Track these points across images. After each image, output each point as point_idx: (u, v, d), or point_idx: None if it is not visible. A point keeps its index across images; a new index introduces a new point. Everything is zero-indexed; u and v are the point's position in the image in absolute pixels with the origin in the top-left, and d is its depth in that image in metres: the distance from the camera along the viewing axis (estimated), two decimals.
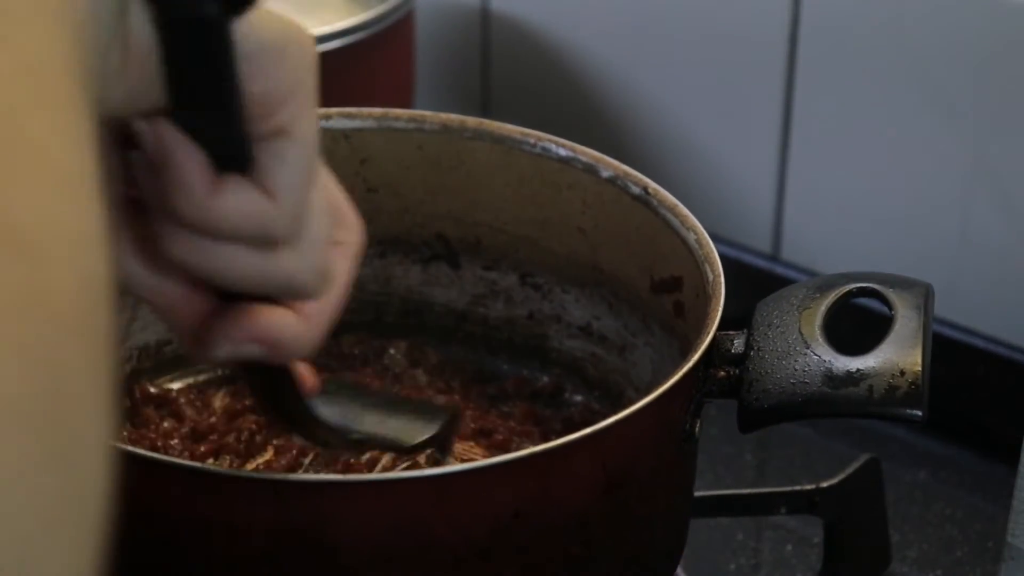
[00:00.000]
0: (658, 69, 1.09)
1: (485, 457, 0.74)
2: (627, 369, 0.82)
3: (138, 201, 0.49)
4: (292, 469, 0.76)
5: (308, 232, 0.51)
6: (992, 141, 0.95)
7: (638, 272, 0.79)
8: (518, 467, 0.61)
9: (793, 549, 0.89)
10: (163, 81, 0.46)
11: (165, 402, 0.81)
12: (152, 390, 0.81)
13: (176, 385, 0.84)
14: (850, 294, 0.70)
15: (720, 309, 0.68)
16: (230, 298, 0.52)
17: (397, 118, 0.81)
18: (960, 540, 0.90)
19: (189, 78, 0.46)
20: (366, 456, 0.74)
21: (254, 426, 0.78)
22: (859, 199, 1.02)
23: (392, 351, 0.85)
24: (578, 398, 0.84)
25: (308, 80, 0.50)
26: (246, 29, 0.47)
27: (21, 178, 0.31)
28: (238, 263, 0.49)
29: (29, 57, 0.33)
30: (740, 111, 1.06)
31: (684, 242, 0.74)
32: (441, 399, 0.82)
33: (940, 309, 0.72)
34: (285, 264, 0.50)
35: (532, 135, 0.80)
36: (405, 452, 0.72)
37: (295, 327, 0.53)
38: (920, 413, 0.65)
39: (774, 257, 1.07)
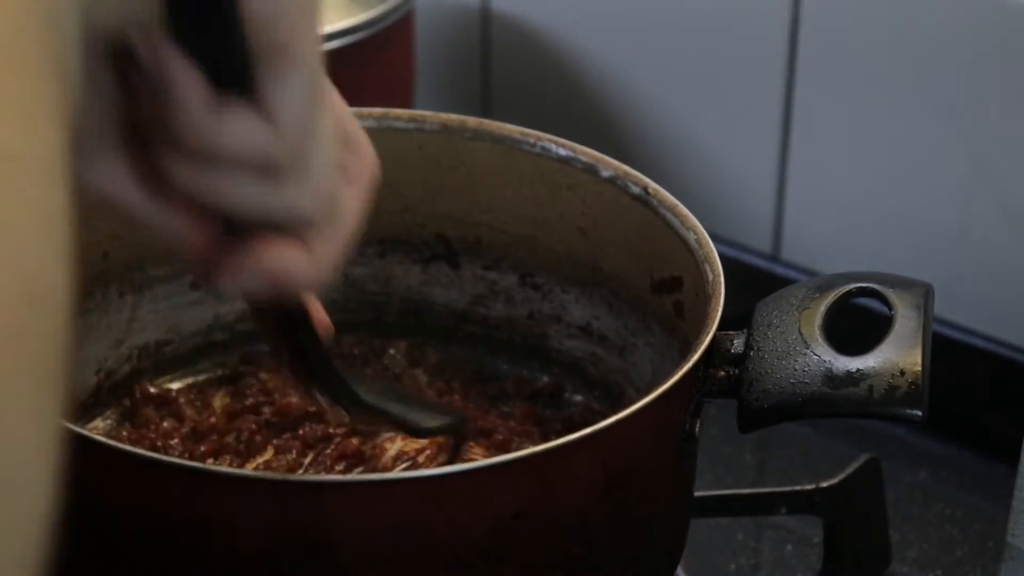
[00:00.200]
0: (658, 69, 1.09)
1: (485, 457, 0.74)
2: (627, 369, 0.82)
3: (143, 128, 0.48)
4: (292, 469, 0.76)
5: (313, 160, 0.49)
6: (992, 141, 0.95)
7: (638, 272, 0.79)
8: (518, 467, 0.61)
9: (793, 549, 0.89)
10: None
11: (165, 402, 0.81)
12: (152, 390, 0.81)
13: (176, 385, 0.84)
14: (850, 294, 0.70)
15: (720, 309, 0.68)
16: (238, 229, 0.50)
17: (397, 118, 0.81)
18: (960, 540, 0.90)
19: None
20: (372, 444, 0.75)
21: (254, 426, 0.78)
22: (859, 199, 1.02)
23: (392, 351, 0.85)
24: (578, 398, 0.84)
25: None
26: None
27: None
28: (240, 191, 0.48)
29: None
30: (740, 111, 1.06)
31: (684, 242, 0.74)
32: (441, 399, 0.82)
33: (940, 309, 0.72)
34: (289, 193, 0.48)
35: (532, 135, 0.80)
36: (416, 434, 0.72)
37: (302, 261, 0.51)
38: (920, 413, 0.65)
39: (774, 257, 1.07)
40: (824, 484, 0.81)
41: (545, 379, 0.85)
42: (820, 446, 0.97)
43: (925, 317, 0.68)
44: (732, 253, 1.06)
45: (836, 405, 0.65)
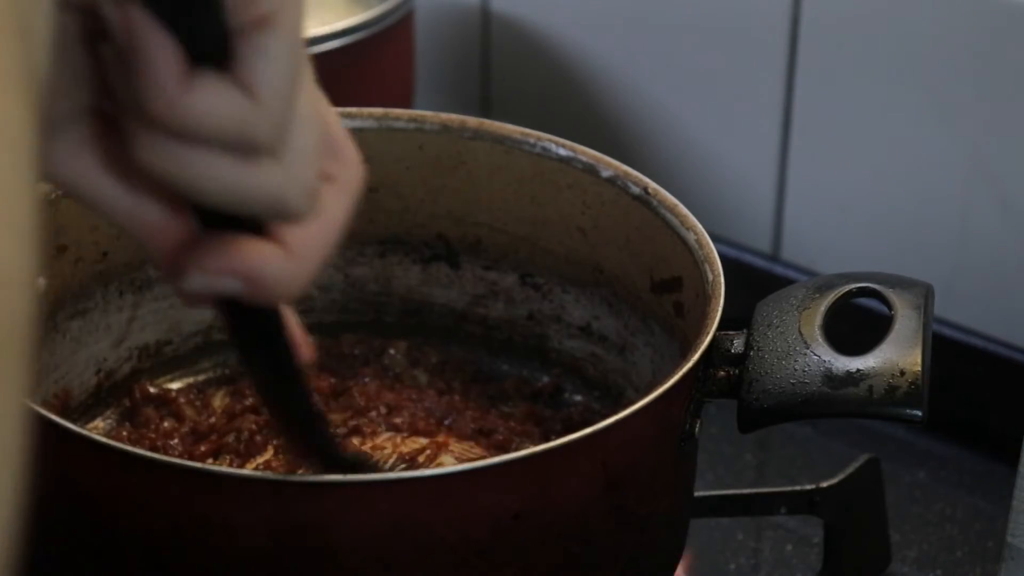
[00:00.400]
0: (658, 69, 1.09)
1: (485, 457, 0.74)
2: (627, 369, 0.82)
3: (112, 106, 0.46)
4: (292, 469, 0.76)
5: (293, 142, 0.46)
6: (992, 141, 0.95)
7: (638, 272, 0.79)
8: (518, 467, 0.61)
9: (793, 549, 0.89)
10: None
11: (165, 402, 0.81)
12: (152, 390, 0.81)
13: (176, 385, 0.84)
14: (850, 294, 0.70)
15: (720, 309, 0.68)
16: (211, 222, 0.47)
17: (397, 118, 0.81)
18: (960, 540, 0.90)
19: None
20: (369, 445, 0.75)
21: (254, 426, 0.78)
22: (859, 199, 1.02)
23: (392, 351, 0.85)
24: (578, 398, 0.84)
25: None
26: None
27: None
28: (216, 173, 0.44)
29: None
30: (740, 111, 1.06)
31: (684, 242, 0.74)
32: (441, 399, 0.82)
33: (940, 309, 0.72)
34: (267, 176, 0.45)
35: (532, 135, 0.80)
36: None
37: (279, 262, 0.47)
38: (920, 413, 0.65)
39: (774, 257, 1.07)
40: (824, 484, 0.81)
41: (545, 379, 0.85)
42: (820, 446, 0.97)
43: (925, 317, 0.68)
44: (732, 253, 1.06)
45: (836, 405, 0.65)
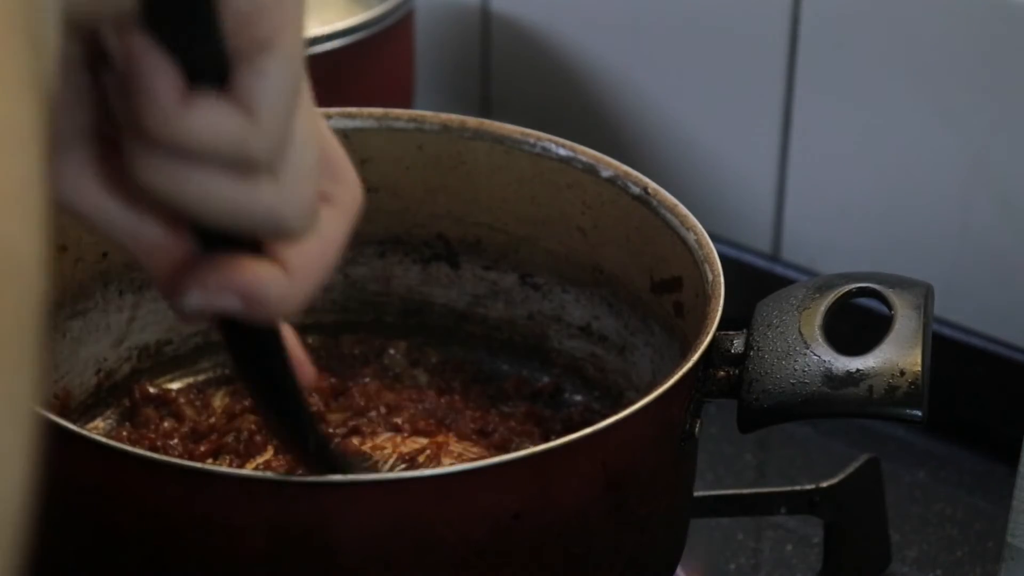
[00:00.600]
0: (658, 69, 1.09)
1: (485, 457, 0.74)
2: (627, 369, 0.82)
3: (112, 127, 0.46)
4: (292, 469, 0.76)
5: (291, 161, 0.46)
6: (992, 141, 0.95)
7: (638, 272, 0.79)
8: (518, 467, 0.61)
9: (793, 549, 0.89)
10: None
11: (165, 402, 0.81)
12: (152, 390, 0.81)
13: (176, 385, 0.84)
14: (850, 294, 0.70)
15: (720, 309, 0.68)
16: (210, 242, 0.47)
17: (397, 118, 0.81)
18: (960, 540, 0.90)
19: None
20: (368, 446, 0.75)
21: (254, 426, 0.78)
22: (859, 199, 1.02)
23: (392, 351, 0.85)
24: (578, 398, 0.84)
25: None
26: None
27: None
28: (214, 191, 0.45)
29: None
30: (740, 111, 1.06)
31: (684, 242, 0.74)
32: (441, 399, 0.82)
33: (940, 309, 0.72)
34: (265, 195, 0.46)
35: (532, 135, 0.80)
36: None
37: (278, 281, 0.48)
38: (920, 413, 0.65)
39: (774, 257, 1.07)
40: (824, 484, 0.81)
41: (545, 379, 0.85)
42: (820, 446, 0.97)
43: (925, 317, 0.68)
44: (732, 253, 1.06)
45: (836, 405, 0.65)
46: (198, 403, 0.81)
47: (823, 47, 1.01)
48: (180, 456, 0.76)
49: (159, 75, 0.44)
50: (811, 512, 0.81)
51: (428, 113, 0.81)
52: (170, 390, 0.82)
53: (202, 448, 0.77)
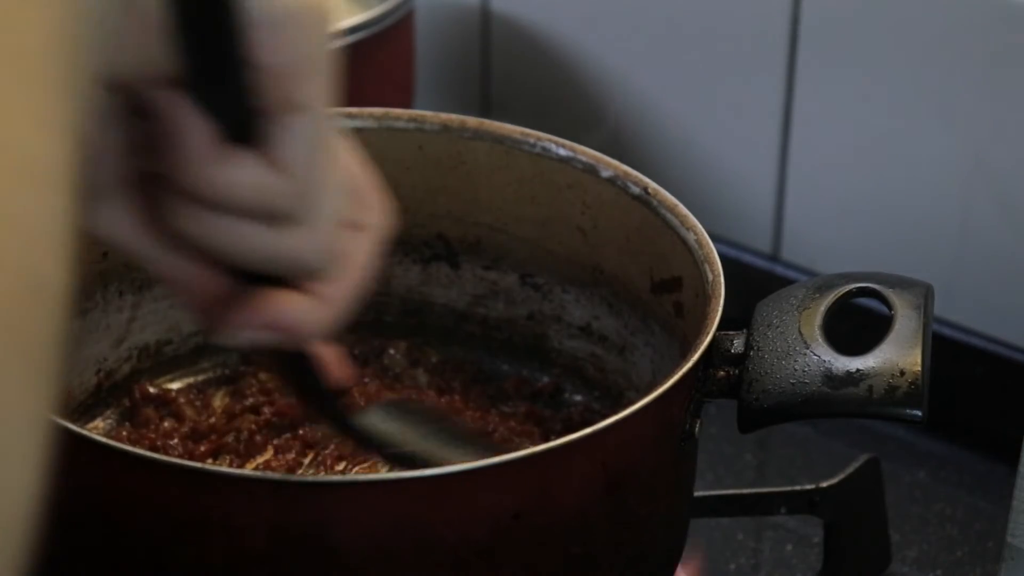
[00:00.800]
0: (658, 69, 1.09)
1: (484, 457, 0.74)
2: (627, 369, 0.82)
3: (151, 176, 0.49)
4: (292, 469, 0.76)
5: (319, 210, 0.50)
6: (992, 141, 0.95)
7: (638, 272, 0.79)
8: (518, 467, 0.61)
9: (793, 549, 0.89)
10: (171, 48, 0.45)
11: (165, 402, 0.81)
12: (152, 390, 0.81)
13: (176, 385, 0.84)
14: (850, 294, 0.70)
15: (720, 309, 0.68)
16: (245, 279, 0.51)
17: (397, 118, 0.81)
18: (960, 540, 0.90)
19: (197, 45, 0.45)
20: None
21: (254, 426, 0.78)
22: (859, 199, 1.02)
23: (392, 351, 0.85)
24: (578, 398, 0.84)
25: (322, 52, 0.49)
26: None
27: None
28: (246, 239, 0.49)
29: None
30: (740, 111, 1.06)
31: (684, 242, 0.74)
32: (441, 399, 0.82)
33: (940, 309, 0.72)
34: (294, 242, 0.49)
35: (532, 135, 0.80)
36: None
37: (310, 311, 0.52)
38: (920, 413, 0.65)
39: (774, 257, 1.07)
40: (824, 484, 0.81)
41: (545, 379, 0.85)
42: (820, 446, 0.97)
43: (925, 317, 0.68)
44: (732, 253, 1.06)
45: (836, 405, 0.65)
46: (198, 403, 0.81)
47: (823, 47, 1.01)
48: (180, 456, 0.76)
49: (194, 131, 0.46)
50: (811, 512, 0.81)
51: (428, 113, 0.81)
52: (170, 390, 0.82)
53: (202, 448, 0.77)
